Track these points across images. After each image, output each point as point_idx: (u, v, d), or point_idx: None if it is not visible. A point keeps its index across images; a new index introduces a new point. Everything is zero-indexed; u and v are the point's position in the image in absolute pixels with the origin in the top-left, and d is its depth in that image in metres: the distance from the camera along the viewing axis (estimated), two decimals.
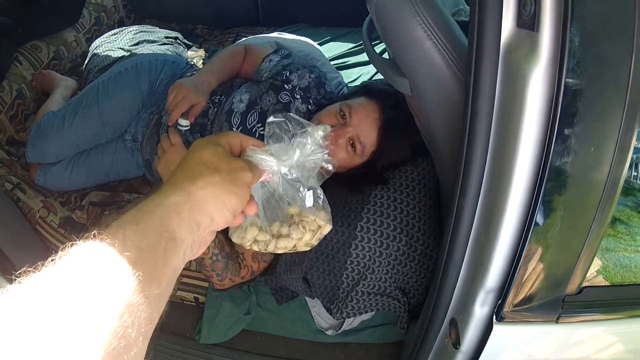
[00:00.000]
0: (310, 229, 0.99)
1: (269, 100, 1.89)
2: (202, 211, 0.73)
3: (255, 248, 1.03)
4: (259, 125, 1.88)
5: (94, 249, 0.59)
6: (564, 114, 0.85)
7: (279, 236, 0.98)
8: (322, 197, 1.01)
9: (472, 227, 1.06)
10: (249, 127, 1.88)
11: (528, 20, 0.85)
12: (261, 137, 1.70)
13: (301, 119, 0.93)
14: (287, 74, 1.88)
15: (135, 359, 0.54)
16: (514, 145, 0.91)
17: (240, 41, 2.85)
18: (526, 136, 0.89)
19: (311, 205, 0.97)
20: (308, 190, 0.96)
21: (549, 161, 0.89)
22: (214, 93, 2.05)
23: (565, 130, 0.87)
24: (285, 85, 1.89)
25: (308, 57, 2.40)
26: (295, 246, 1.03)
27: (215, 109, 1.98)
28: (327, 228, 1.03)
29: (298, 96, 1.90)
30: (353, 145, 1.68)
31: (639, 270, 1.19)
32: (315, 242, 1.04)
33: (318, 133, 0.91)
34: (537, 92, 0.86)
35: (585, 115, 0.87)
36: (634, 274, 1.17)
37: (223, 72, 2.06)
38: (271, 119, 0.91)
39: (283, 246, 1.01)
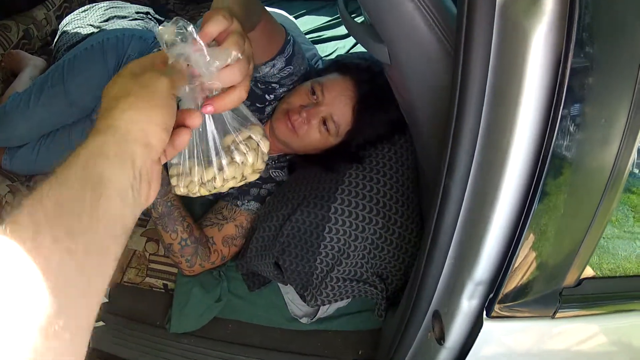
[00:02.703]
0: (252, 148, 0.87)
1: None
2: (129, 141, 0.61)
3: (205, 192, 0.90)
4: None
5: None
6: (571, 82, 0.68)
7: (221, 167, 0.86)
8: (248, 111, 0.89)
9: (460, 209, 0.89)
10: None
11: None
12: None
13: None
14: (276, 87, 1.66)
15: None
16: (512, 118, 0.73)
17: None
18: (526, 107, 0.72)
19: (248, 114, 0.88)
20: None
21: (552, 138, 0.72)
22: None
23: (572, 103, 0.70)
24: (267, 95, 1.69)
25: None
26: (244, 176, 0.90)
27: None
28: (266, 143, 0.90)
29: (275, 102, 1.71)
30: (326, 125, 1.53)
31: (626, 257, 1.06)
32: (261, 166, 0.91)
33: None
34: (539, 54, 0.69)
35: (597, 83, 0.71)
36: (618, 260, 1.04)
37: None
38: (161, 28, 0.70)
39: (231, 176, 0.87)
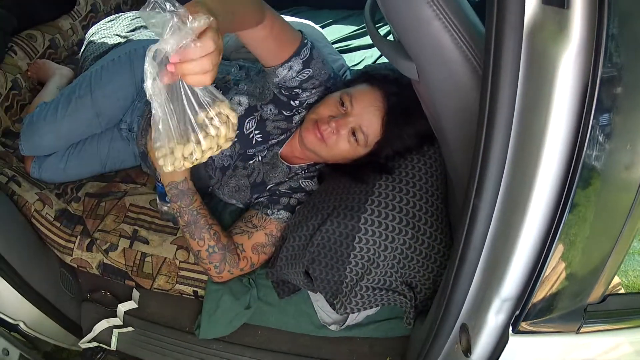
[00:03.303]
0: (223, 121, 1.04)
1: (270, 111, 1.75)
2: None
3: (188, 164, 1.06)
4: (256, 132, 1.76)
5: None
6: (598, 105, 0.72)
7: (199, 142, 1.02)
8: (214, 90, 1.04)
9: (488, 229, 0.93)
10: (245, 133, 1.77)
11: None
12: (258, 144, 1.69)
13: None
14: (299, 92, 1.69)
15: None
16: (540, 140, 0.77)
17: None
18: (554, 130, 0.76)
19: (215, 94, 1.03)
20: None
21: (580, 159, 0.76)
22: None
23: (599, 125, 0.74)
24: (292, 102, 1.73)
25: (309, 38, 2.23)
26: (219, 145, 1.07)
27: None
28: (234, 115, 1.07)
29: (303, 110, 1.76)
30: (355, 136, 1.58)
31: None
32: (232, 134, 1.08)
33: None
34: (567, 79, 0.73)
35: (622, 108, 0.74)
36: None
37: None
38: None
39: (208, 147, 1.04)
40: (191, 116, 0.99)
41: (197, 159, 1.05)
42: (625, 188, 0.81)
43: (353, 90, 1.63)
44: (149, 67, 0.90)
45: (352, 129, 1.58)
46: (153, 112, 0.97)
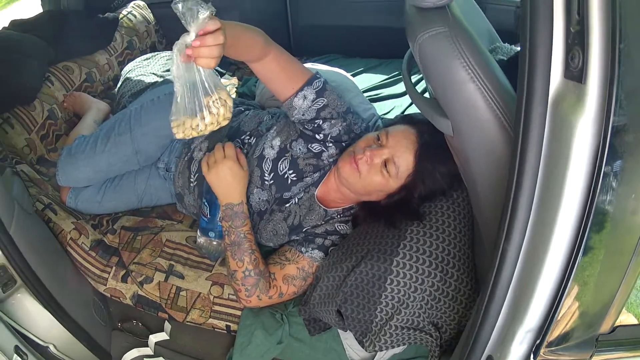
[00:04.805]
0: (221, 105, 1.40)
1: (300, 149, 1.94)
2: None
3: (195, 134, 1.42)
4: (290, 172, 1.94)
5: None
6: (608, 163, 0.91)
7: (203, 118, 1.39)
8: (219, 80, 1.43)
9: (515, 269, 1.11)
10: (280, 173, 1.95)
11: (576, 72, 0.91)
12: (293, 182, 1.89)
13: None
14: (320, 123, 1.91)
15: None
16: (560, 191, 0.97)
17: None
18: (571, 184, 0.95)
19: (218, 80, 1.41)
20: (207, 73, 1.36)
21: (593, 208, 0.95)
22: (243, 132, 2.12)
23: (609, 179, 0.93)
24: (317, 135, 1.93)
25: (340, 87, 2.41)
26: (218, 122, 1.43)
27: (246, 150, 2.05)
28: (230, 100, 1.43)
29: (330, 144, 1.94)
30: (387, 168, 1.74)
31: None
32: (229, 114, 1.44)
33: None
34: (583, 141, 0.92)
35: (628, 165, 0.94)
36: None
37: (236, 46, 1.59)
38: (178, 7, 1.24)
39: (210, 122, 1.41)
40: (202, 97, 1.36)
41: (201, 130, 1.41)
42: (631, 231, 1.01)
43: (390, 128, 1.82)
44: (175, 57, 1.30)
45: (385, 160, 1.74)
46: (174, 90, 1.35)
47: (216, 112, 1.39)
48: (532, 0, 0.94)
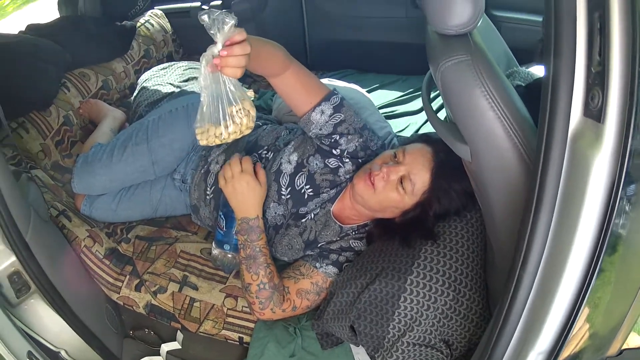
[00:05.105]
0: (245, 115, 1.46)
1: (316, 164, 1.99)
2: None
3: (218, 141, 1.48)
4: (307, 187, 1.99)
5: None
6: (622, 199, 0.97)
7: (227, 126, 1.44)
8: (244, 91, 1.49)
9: (529, 294, 1.17)
10: (297, 188, 2.00)
11: (595, 112, 0.97)
12: (310, 197, 1.93)
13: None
14: (337, 138, 1.96)
15: None
16: (575, 224, 1.03)
17: None
18: (586, 217, 1.01)
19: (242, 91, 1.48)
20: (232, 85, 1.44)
21: (607, 239, 1.01)
22: (260, 147, 2.18)
23: (622, 214, 0.99)
24: (334, 150, 2.00)
25: (357, 105, 2.44)
26: (241, 131, 1.49)
27: (264, 165, 2.08)
28: (253, 110, 1.49)
29: (347, 160, 1.99)
30: (402, 184, 1.78)
31: None
32: (252, 124, 1.50)
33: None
34: (599, 176, 0.97)
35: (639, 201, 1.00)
36: None
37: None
38: (204, 18, 1.32)
39: (233, 131, 1.47)
40: (226, 107, 1.42)
41: (224, 139, 1.47)
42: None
43: (407, 146, 1.86)
44: (202, 68, 1.37)
45: (401, 177, 1.79)
46: (201, 99, 1.42)
47: (239, 122, 1.45)
48: (556, 41, 1.00)
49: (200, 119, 1.45)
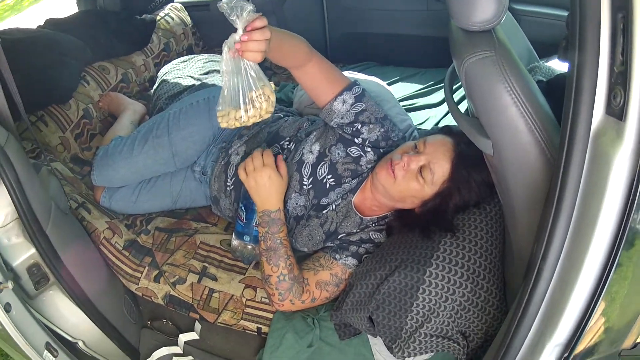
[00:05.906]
0: (265, 100, 1.51)
1: (338, 153, 2.03)
2: None
3: (238, 124, 1.54)
4: (329, 176, 2.04)
5: None
6: None
7: (247, 110, 1.50)
8: (264, 76, 1.55)
9: (548, 287, 1.21)
10: (319, 178, 2.04)
11: (617, 110, 1.00)
12: (331, 187, 1.97)
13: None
14: (359, 127, 2.01)
15: None
16: (595, 219, 1.07)
17: None
18: (606, 212, 1.06)
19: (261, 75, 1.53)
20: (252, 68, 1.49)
21: (625, 233, 1.05)
22: (282, 138, 2.22)
23: None
24: (355, 139, 2.04)
25: (378, 98, 2.45)
26: (260, 115, 1.54)
27: (285, 156, 2.13)
28: (273, 96, 1.55)
29: (368, 149, 2.03)
30: (422, 174, 1.83)
31: None
32: (271, 109, 1.56)
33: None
34: (620, 172, 1.01)
35: None
36: None
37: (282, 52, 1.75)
38: (223, 5, 1.39)
39: (253, 115, 1.53)
40: (246, 91, 1.48)
41: (244, 122, 1.53)
42: None
43: (428, 137, 1.90)
44: (224, 53, 1.45)
45: (421, 167, 1.83)
46: (222, 83, 1.49)
47: (259, 106, 1.51)
48: (581, 40, 1.04)
49: (221, 102, 1.52)
